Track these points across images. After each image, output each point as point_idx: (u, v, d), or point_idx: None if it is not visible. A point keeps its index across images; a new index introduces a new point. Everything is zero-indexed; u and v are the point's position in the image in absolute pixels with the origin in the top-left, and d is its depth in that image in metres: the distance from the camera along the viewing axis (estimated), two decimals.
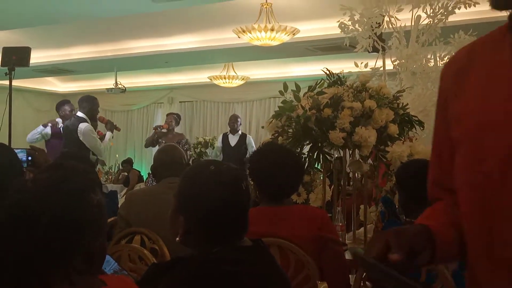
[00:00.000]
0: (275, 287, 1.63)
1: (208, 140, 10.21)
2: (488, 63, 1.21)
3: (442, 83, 1.34)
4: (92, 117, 6.28)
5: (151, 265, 1.99)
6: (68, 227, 1.21)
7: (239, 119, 9.26)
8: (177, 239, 1.69)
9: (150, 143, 8.42)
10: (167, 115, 8.97)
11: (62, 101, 7.53)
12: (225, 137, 9.16)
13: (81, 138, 5.97)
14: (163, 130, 8.27)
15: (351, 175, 3.82)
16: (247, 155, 8.34)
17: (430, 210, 1.42)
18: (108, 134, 6.45)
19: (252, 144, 9.06)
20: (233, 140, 9.06)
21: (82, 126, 6.02)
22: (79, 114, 6.20)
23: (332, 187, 3.54)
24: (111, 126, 6.57)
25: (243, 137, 9.11)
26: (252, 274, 1.58)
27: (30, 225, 1.18)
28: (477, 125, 1.18)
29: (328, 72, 3.37)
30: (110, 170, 11.07)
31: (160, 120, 11.96)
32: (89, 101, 6.31)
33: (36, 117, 13.50)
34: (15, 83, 10.91)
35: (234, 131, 9.07)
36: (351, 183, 3.80)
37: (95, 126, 6.46)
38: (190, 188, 1.71)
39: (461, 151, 1.23)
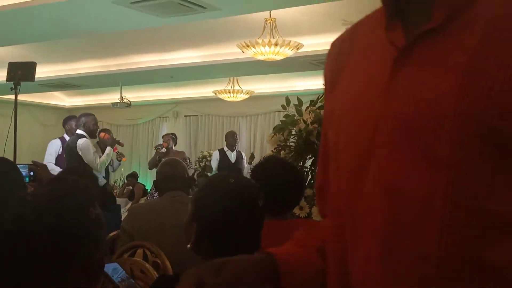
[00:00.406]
0: None
1: (205, 155, 10.21)
2: (362, 48, 1.03)
3: (325, 68, 1.12)
4: (91, 133, 6.36)
5: (159, 276, 1.99)
6: (67, 242, 1.23)
7: (236, 135, 9.23)
8: (189, 246, 1.70)
9: (153, 165, 8.41)
10: (164, 136, 8.99)
11: (68, 117, 7.63)
12: (222, 153, 9.07)
13: (80, 154, 6.07)
14: (163, 150, 8.31)
15: None
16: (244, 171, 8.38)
17: (304, 232, 1.17)
18: (108, 149, 6.51)
19: (245, 163, 9.07)
20: (232, 156, 9.02)
21: (81, 141, 6.15)
22: (79, 131, 6.33)
23: None
24: (112, 141, 6.66)
25: (239, 153, 9.11)
26: None
27: (29, 239, 1.20)
28: (337, 124, 0.99)
29: None
30: (115, 184, 11.11)
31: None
32: (86, 117, 6.41)
33: (42, 132, 13.59)
34: (22, 97, 11.04)
35: (232, 148, 9.02)
36: None
37: (104, 143, 6.57)
38: (206, 197, 1.73)
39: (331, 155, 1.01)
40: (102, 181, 7.00)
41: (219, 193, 1.71)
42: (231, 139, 9.04)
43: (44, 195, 1.26)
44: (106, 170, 6.82)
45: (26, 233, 1.20)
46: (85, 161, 6.05)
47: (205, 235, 1.69)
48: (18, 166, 2.67)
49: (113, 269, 1.91)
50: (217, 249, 1.69)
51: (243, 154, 9.36)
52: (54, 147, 7.08)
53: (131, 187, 10.10)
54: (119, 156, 7.63)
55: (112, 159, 7.17)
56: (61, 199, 1.25)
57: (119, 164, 7.85)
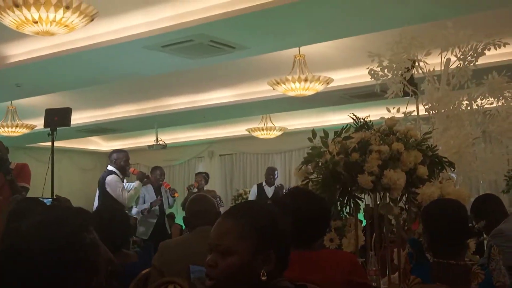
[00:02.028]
0: None
1: (241, 193, 10.27)
2: None
3: None
4: (122, 169, 6.48)
5: None
6: (62, 267, 1.23)
7: (276, 172, 9.29)
8: (264, 278, 1.63)
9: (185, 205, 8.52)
10: (196, 174, 9.17)
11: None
12: (260, 188, 9.17)
13: (107, 189, 6.19)
14: (194, 190, 8.43)
15: (393, 221, 3.81)
16: None
17: None
18: (136, 183, 6.62)
19: None
20: (269, 191, 9.08)
21: (109, 178, 6.29)
22: (109, 167, 6.47)
23: (365, 231, 3.53)
24: (142, 176, 6.77)
25: (279, 188, 9.12)
26: None
27: (23, 267, 1.20)
28: None
29: (354, 117, 3.41)
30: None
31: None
32: (116, 154, 6.55)
33: (81, 177, 13.85)
34: (60, 144, 11.34)
35: (270, 183, 9.10)
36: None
37: (143, 179, 6.73)
38: (269, 220, 1.71)
39: None
40: (155, 219, 7.24)
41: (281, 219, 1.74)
42: (270, 175, 9.11)
43: (37, 223, 1.28)
44: (161, 209, 7.04)
45: (20, 261, 1.21)
46: (113, 196, 6.17)
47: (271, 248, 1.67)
48: (42, 199, 2.74)
49: (199, 270, 1.92)
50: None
51: (284, 190, 9.38)
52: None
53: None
54: (172, 191, 7.78)
55: (168, 196, 7.41)
56: (53, 226, 1.27)
57: (174, 200, 7.99)
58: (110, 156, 6.65)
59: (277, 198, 2.86)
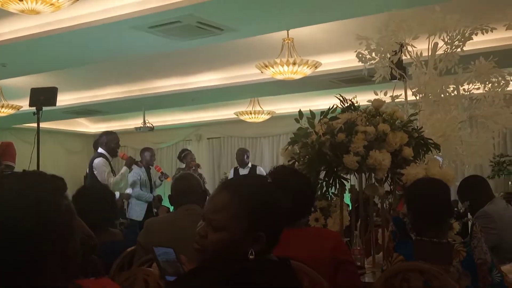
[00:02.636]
0: None
1: (228, 176, 10.30)
2: None
3: None
4: (112, 151, 6.46)
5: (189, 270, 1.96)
6: (39, 233, 1.23)
7: (246, 153, 9.30)
8: (252, 257, 1.61)
9: None
10: (187, 154, 9.18)
11: (96, 140, 7.84)
12: (236, 171, 9.20)
13: (95, 172, 6.18)
14: (198, 171, 8.53)
15: (379, 205, 3.83)
16: None
17: None
18: (124, 169, 6.61)
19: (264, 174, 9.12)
20: (243, 173, 9.11)
21: (96, 160, 6.28)
22: (99, 150, 6.44)
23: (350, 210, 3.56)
24: (130, 162, 6.75)
25: (253, 169, 9.16)
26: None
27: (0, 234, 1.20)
28: None
29: (341, 99, 3.42)
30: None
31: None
32: (106, 137, 6.52)
33: (67, 159, 13.81)
34: (47, 125, 11.27)
35: (243, 164, 9.11)
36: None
37: (131, 166, 6.74)
38: (265, 204, 1.65)
39: None
40: (150, 197, 7.28)
41: (275, 193, 1.68)
42: (240, 157, 9.13)
43: (9, 189, 1.27)
44: (151, 189, 7.09)
45: None
46: (99, 179, 6.15)
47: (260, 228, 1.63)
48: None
49: (164, 252, 1.91)
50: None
51: (259, 168, 9.40)
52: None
53: (155, 210, 10.16)
54: (163, 176, 7.79)
55: (155, 179, 7.45)
56: (28, 191, 1.26)
57: (161, 183, 8.01)
58: (100, 138, 6.60)
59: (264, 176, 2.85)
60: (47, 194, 1.29)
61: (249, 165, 9.21)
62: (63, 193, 1.33)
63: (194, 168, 8.54)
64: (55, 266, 1.26)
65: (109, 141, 6.46)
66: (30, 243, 1.22)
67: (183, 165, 8.92)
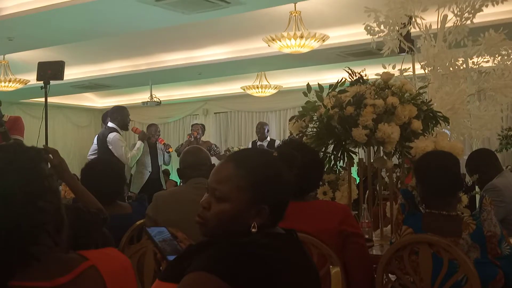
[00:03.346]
0: (305, 276, 1.62)
1: (239, 148, 10.30)
2: None
3: None
4: (123, 127, 6.46)
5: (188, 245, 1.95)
6: (31, 200, 1.24)
7: (266, 126, 9.31)
8: (255, 230, 1.59)
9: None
10: (193, 125, 9.19)
11: (106, 112, 7.83)
12: (254, 145, 9.22)
13: (110, 147, 6.17)
14: (191, 139, 8.45)
15: (387, 179, 3.83)
16: None
17: None
18: (139, 143, 6.60)
19: None
20: (263, 147, 9.13)
21: (111, 136, 6.26)
22: (110, 124, 6.43)
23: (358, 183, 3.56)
24: (143, 136, 6.72)
25: (272, 143, 9.16)
26: (284, 260, 1.53)
27: None
28: None
29: (350, 72, 3.40)
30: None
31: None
32: (118, 112, 6.51)
33: (76, 133, 13.86)
34: (55, 99, 11.28)
35: (262, 138, 9.13)
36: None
37: (145, 139, 6.69)
38: (269, 177, 1.64)
39: None
40: (147, 174, 7.19)
41: (278, 167, 1.66)
42: (258, 130, 9.15)
43: None
44: (155, 164, 6.97)
45: None
46: (116, 155, 6.16)
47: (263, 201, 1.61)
48: None
49: (158, 231, 1.90)
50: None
51: (279, 142, 9.41)
52: (95, 142, 7.29)
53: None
54: (166, 147, 7.71)
55: (163, 154, 7.33)
56: (10, 162, 1.27)
57: (170, 157, 7.91)
58: (111, 112, 6.59)
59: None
60: (31, 161, 1.30)
61: (268, 138, 9.23)
62: (43, 160, 1.34)
63: (194, 138, 8.48)
64: (50, 234, 1.27)
65: (122, 115, 6.46)
66: (19, 212, 1.22)
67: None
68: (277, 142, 9.28)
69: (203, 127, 9.05)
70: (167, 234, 1.93)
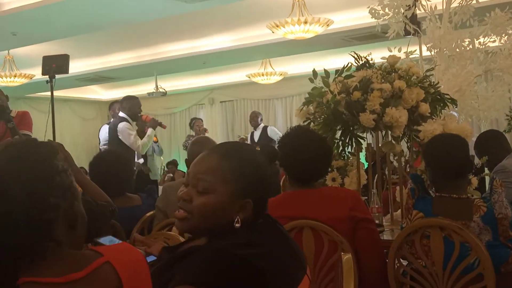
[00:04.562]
0: (289, 261, 1.57)
1: (244, 137, 10.38)
2: None
3: None
4: (134, 116, 6.44)
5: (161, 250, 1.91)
6: (41, 196, 1.23)
7: (259, 115, 9.47)
8: (238, 225, 1.55)
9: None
10: (193, 119, 9.41)
11: (112, 102, 7.87)
12: (251, 135, 9.43)
13: (120, 137, 6.18)
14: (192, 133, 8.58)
15: (395, 164, 3.81)
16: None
17: None
18: (149, 131, 6.55)
19: (276, 132, 9.24)
20: (256, 135, 9.29)
21: (121, 125, 6.26)
22: (121, 114, 6.44)
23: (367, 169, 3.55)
24: (154, 123, 6.63)
25: (264, 129, 9.30)
26: (266, 254, 1.47)
27: (3, 202, 1.19)
28: None
29: (355, 56, 3.37)
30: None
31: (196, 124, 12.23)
32: (129, 101, 6.49)
33: (82, 126, 13.87)
34: (60, 93, 11.28)
35: (256, 126, 9.31)
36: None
37: (142, 126, 6.61)
38: (255, 170, 1.60)
39: None
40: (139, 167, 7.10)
41: (262, 162, 1.62)
42: (253, 119, 9.49)
43: (7, 156, 1.28)
44: (144, 155, 6.90)
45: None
46: (127, 144, 6.15)
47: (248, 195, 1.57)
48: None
49: (110, 241, 1.87)
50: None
51: (271, 128, 9.67)
52: (102, 134, 7.26)
53: (171, 175, 10.23)
54: (154, 122, 7.25)
55: (152, 145, 7.19)
56: (23, 156, 1.27)
57: (158, 146, 7.77)
58: (122, 103, 6.57)
59: (280, 137, 2.83)
60: (43, 157, 1.30)
61: (261, 126, 9.37)
62: (56, 155, 1.33)
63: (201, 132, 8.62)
64: (64, 230, 1.27)
65: (133, 105, 6.45)
66: (33, 207, 1.22)
67: (193, 133, 9.05)
68: (270, 128, 9.49)
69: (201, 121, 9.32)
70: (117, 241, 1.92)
